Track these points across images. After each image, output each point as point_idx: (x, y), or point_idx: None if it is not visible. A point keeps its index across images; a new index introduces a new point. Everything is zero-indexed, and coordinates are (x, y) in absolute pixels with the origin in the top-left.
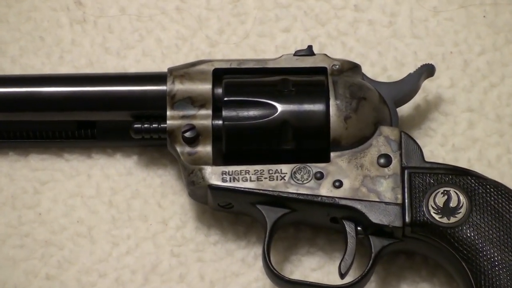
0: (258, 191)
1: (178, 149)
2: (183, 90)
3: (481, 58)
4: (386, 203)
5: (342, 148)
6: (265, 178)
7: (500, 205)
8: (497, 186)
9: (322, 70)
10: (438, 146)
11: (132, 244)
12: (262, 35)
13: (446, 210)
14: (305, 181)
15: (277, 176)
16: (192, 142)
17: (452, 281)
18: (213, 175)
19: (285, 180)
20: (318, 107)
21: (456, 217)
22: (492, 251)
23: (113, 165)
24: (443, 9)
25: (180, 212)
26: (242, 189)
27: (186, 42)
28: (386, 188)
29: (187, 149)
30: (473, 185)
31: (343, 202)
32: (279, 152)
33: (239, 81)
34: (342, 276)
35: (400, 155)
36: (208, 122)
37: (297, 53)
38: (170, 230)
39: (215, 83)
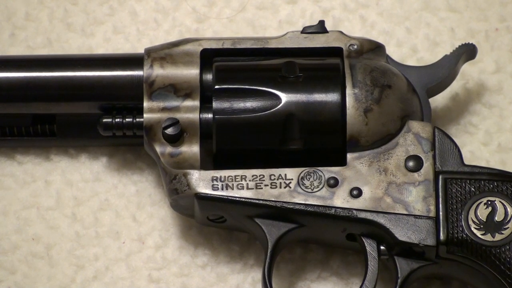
0: (257, 201)
1: (158, 149)
2: (163, 76)
3: None
4: (415, 216)
5: (361, 148)
6: (266, 185)
7: None
8: None
9: (336, 51)
10: (480, 146)
11: (100, 267)
12: (262, 8)
13: (490, 225)
14: (315, 189)
15: (280, 183)
16: (175, 140)
17: None
18: (201, 181)
19: (290, 187)
20: (331, 97)
21: (502, 233)
22: None
23: (77, 169)
24: None
25: (160, 227)
26: (237, 199)
27: (167, 16)
28: (416, 197)
29: (169, 149)
30: None
31: (362, 215)
32: (282, 153)
33: (233, 65)
34: None
35: (434, 156)
36: (195, 116)
37: (305, 30)
38: (147, 250)
39: (203, 68)
